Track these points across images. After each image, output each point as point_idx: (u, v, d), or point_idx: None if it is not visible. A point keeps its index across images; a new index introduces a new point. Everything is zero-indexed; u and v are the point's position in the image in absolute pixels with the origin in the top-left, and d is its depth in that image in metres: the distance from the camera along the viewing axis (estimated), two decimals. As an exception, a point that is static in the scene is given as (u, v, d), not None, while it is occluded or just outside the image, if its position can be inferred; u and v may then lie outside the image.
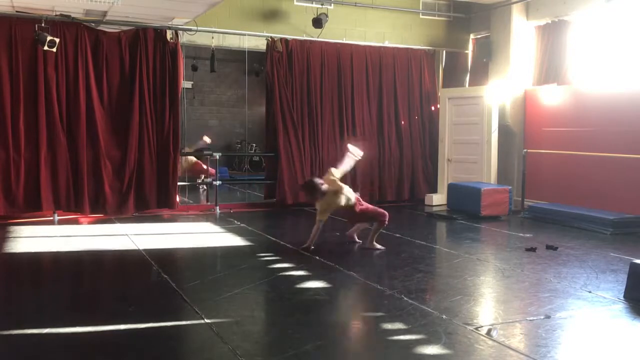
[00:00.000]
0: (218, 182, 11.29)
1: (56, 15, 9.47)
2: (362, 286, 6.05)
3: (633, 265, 5.76)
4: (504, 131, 11.81)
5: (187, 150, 12.09)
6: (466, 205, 10.59)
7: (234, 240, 8.50)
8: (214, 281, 6.41)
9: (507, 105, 11.82)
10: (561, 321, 5.04)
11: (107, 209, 9.94)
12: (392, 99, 12.30)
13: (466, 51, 13.13)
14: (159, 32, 10.23)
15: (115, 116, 10.04)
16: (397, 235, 8.88)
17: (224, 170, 15.05)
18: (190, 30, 10.40)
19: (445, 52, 13.14)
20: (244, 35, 11.12)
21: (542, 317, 5.08)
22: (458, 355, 4.28)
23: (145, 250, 7.66)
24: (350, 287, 6.03)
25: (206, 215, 10.70)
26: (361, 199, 8.10)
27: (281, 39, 11.19)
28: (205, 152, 12.15)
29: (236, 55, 12.42)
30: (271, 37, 11.15)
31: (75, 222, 9.80)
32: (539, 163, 11.25)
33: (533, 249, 7.79)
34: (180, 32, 10.39)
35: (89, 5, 9.04)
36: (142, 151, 10.13)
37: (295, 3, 11.31)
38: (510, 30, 11.82)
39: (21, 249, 7.78)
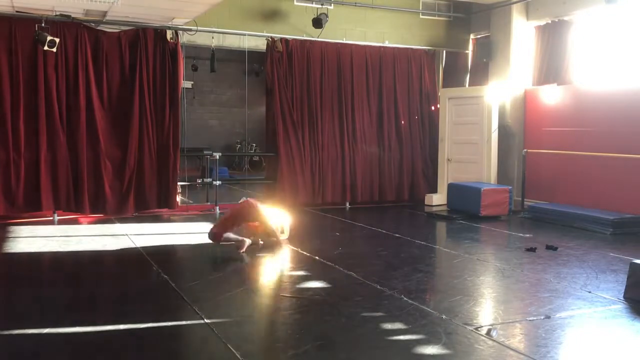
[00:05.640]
0: (218, 182, 11.29)
1: (56, 15, 9.47)
2: (362, 286, 6.05)
3: (633, 265, 5.76)
4: (504, 131, 11.81)
5: None
6: (466, 205, 10.59)
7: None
8: (214, 281, 6.41)
9: (507, 105, 11.82)
10: (561, 321, 5.04)
11: (107, 209, 9.94)
12: (392, 99, 12.29)
13: (466, 51, 13.13)
14: (159, 32, 10.23)
15: (115, 116, 10.04)
16: (397, 235, 8.88)
17: (224, 170, 15.05)
18: (190, 30, 10.40)
19: (445, 52, 13.14)
20: (244, 35, 11.12)
21: (542, 317, 5.08)
22: (458, 355, 4.28)
23: (145, 250, 7.66)
24: (350, 287, 6.02)
25: (206, 215, 10.69)
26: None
27: (281, 39, 11.19)
28: (206, 152, 12.15)
29: (236, 55, 12.43)
30: (271, 37, 11.15)
31: (75, 222, 9.80)
32: (539, 163, 11.25)
33: (533, 249, 7.78)
34: (180, 32, 10.39)
35: (89, 5, 9.04)
36: (142, 151, 10.13)
37: (295, 3, 11.31)
38: (510, 30, 11.82)
39: (21, 249, 7.78)
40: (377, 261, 7.28)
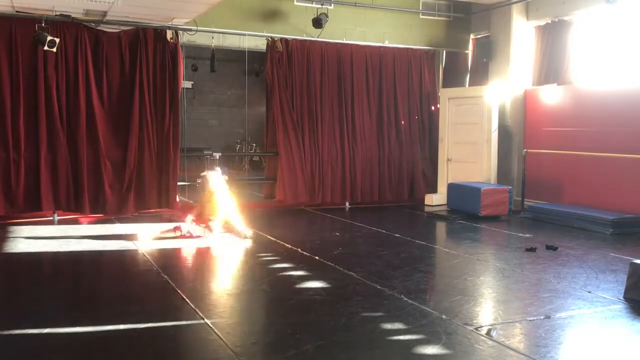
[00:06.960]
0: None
1: (56, 15, 9.46)
2: (362, 286, 6.05)
3: (633, 265, 5.76)
4: (504, 131, 11.81)
5: None
6: (466, 205, 10.59)
7: (234, 240, 8.49)
8: (214, 281, 6.41)
9: (507, 105, 11.83)
10: (561, 321, 5.04)
11: (107, 209, 9.94)
12: (392, 99, 12.29)
13: (466, 51, 13.13)
14: (159, 32, 10.23)
15: (115, 116, 10.05)
16: (397, 235, 8.88)
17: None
18: (190, 30, 10.40)
19: (445, 52, 13.14)
20: (244, 35, 11.11)
21: (542, 317, 5.08)
22: (458, 356, 4.28)
23: (145, 250, 7.66)
24: (350, 287, 6.02)
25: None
26: None
27: (281, 39, 11.18)
28: (206, 152, 12.14)
29: (236, 55, 12.43)
30: (271, 37, 11.15)
31: (75, 222, 9.80)
32: (539, 163, 11.25)
33: (533, 249, 7.79)
34: (180, 32, 10.38)
35: (89, 5, 9.04)
36: (142, 151, 10.13)
37: (295, 3, 11.31)
38: (510, 30, 11.82)
39: (21, 249, 7.78)
40: (377, 261, 7.28)
